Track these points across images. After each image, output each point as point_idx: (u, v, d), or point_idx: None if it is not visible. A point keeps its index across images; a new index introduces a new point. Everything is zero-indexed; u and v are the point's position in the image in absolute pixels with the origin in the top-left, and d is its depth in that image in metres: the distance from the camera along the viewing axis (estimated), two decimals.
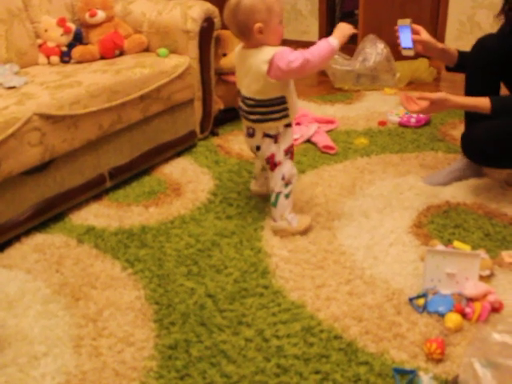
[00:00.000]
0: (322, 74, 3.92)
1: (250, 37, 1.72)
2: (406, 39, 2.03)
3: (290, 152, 1.89)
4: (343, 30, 1.78)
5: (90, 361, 1.41)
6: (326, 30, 4.82)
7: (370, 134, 2.76)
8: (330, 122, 2.90)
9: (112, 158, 2.26)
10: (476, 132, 2.00)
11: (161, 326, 1.52)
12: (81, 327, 1.53)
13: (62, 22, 2.49)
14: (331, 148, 2.56)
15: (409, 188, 2.18)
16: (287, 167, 1.88)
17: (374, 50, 3.51)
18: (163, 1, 2.70)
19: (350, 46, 4.27)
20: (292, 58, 1.67)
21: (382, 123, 2.89)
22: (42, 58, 2.49)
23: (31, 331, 1.52)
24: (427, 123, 2.85)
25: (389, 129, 2.84)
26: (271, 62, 1.69)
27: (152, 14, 2.62)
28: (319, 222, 1.98)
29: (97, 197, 2.24)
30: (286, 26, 4.84)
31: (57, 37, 2.49)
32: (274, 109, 1.79)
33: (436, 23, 4.26)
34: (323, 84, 3.81)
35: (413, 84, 3.62)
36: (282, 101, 1.78)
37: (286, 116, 1.82)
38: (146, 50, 2.64)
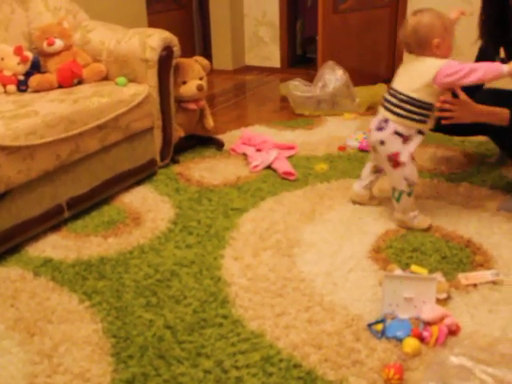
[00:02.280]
0: (284, 100, 3.98)
1: (426, 50, 1.90)
2: None
3: (413, 158, 2.00)
4: None
5: None
6: (288, 56, 4.90)
7: (330, 160, 2.80)
8: (291, 147, 2.93)
9: (70, 188, 2.23)
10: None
11: (118, 360, 1.49)
12: (35, 364, 1.48)
13: (18, 51, 2.46)
14: (291, 174, 2.58)
15: (368, 213, 2.21)
16: (410, 170, 2.00)
17: (333, 76, 3.59)
18: (122, 30, 2.70)
19: (310, 72, 4.36)
20: (460, 67, 1.85)
21: (342, 148, 2.93)
22: None
23: None
24: None
25: (348, 154, 2.88)
26: (440, 69, 1.86)
27: (111, 42, 2.62)
28: (279, 248, 1.98)
29: (55, 227, 2.19)
30: (247, 52, 4.91)
31: (13, 65, 2.45)
32: (418, 110, 1.92)
33: (393, 51, 4.38)
34: (284, 110, 3.86)
35: (372, 109, 3.69)
36: (428, 107, 1.92)
37: (424, 122, 1.95)
38: (105, 78, 2.63)
